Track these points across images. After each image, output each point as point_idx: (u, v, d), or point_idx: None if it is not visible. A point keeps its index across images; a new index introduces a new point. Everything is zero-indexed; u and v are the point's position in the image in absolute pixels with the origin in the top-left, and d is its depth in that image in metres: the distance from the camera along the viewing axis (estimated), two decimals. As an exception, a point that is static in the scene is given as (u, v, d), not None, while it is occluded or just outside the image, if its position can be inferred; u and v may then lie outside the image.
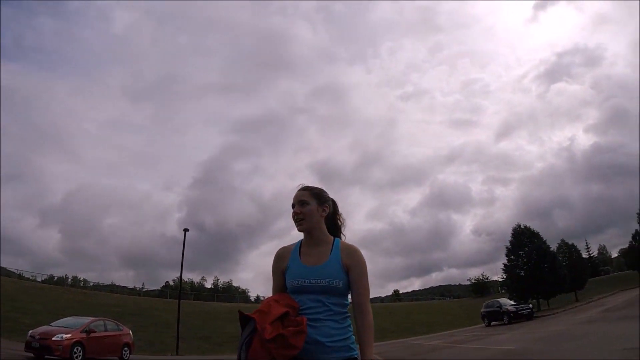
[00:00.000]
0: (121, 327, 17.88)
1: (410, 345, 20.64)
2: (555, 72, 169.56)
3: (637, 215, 53.19)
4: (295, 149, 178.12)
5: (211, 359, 22.33)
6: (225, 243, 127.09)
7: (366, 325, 2.19)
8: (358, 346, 2.17)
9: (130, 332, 18.19)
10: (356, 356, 2.17)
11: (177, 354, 25.31)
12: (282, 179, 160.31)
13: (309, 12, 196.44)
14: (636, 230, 51.74)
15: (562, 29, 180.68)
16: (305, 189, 2.39)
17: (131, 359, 17.38)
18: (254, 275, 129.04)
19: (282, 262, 2.32)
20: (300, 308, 2.15)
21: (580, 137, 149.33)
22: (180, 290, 36.12)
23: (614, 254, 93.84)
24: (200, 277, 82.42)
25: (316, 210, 2.33)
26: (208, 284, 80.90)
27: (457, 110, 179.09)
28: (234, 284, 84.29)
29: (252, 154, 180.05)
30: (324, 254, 2.26)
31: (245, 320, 2.09)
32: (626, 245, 64.73)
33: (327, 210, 2.40)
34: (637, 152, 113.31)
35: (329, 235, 2.38)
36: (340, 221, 2.51)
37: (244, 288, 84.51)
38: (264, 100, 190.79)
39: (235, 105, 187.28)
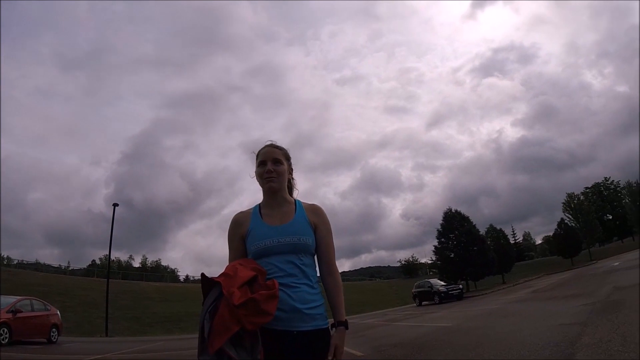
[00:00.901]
0: (49, 307, 16.53)
1: (347, 324, 20.81)
2: (489, 66, 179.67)
3: (562, 204, 57.60)
4: (228, 127, 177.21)
5: (142, 340, 21.39)
6: (154, 221, 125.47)
7: (338, 285, 2.13)
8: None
9: (58, 312, 16.92)
10: (328, 326, 2.03)
11: (107, 335, 24.33)
12: (213, 157, 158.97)
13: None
14: (562, 218, 56.25)
15: (499, 27, 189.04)
16: (278, 148, 2.25)
17: (59, 341, 16.08)
18: (183, 255, 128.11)
19: (241, 227, 2.13)
20: (270, 272, 1.96)
21: (508, 130, 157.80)
22: (109, 269, 34.81)
23: (538, 241, 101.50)
24: (128, 256, 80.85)
25: (287, 171, 2.24)
26: (136, 263, 79.79)
27: (393, 97, 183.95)
28: (163, 263, 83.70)
29: (184, 130, 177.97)
30: (288, 213, 2.14)
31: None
32: (549, 234, 69.82)
33: (292, 174, 2.34)
34: (562, 146, 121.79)
35: (290, 196, 2.28)
36: (293, 184, 2.39)
37: (173, 267, 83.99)
38: (199, 76, 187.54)
39: (169, 80, 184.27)
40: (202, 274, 1.90)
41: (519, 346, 7.11)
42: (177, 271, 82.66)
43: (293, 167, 2.35)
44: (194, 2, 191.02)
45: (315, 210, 2.19)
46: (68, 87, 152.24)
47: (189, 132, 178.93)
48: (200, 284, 1.89)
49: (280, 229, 2.04)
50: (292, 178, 2.36)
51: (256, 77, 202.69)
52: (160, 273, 72.37)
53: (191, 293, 42.76)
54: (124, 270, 66.73)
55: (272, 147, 2.24)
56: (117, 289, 35.94)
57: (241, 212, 2.19)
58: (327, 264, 2.14)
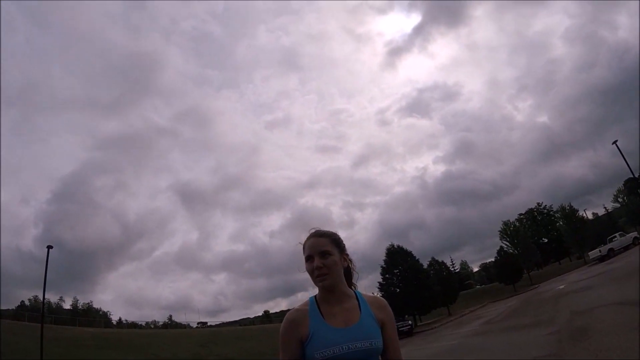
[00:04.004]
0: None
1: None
2: (415, 105, 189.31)
3: (499, 232, 60.85)
4: (157, 169, 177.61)
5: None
6: (83, 262, 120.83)
7: None
8: None
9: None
10: None
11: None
12: (143, 199, 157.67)
13: (183, 39, 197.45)
14: (501, 246, 59.06)
15: (420, 70, 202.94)
16: (324, 235, 1.95)
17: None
18: (114, 298, 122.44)
19: (299, 328, 1.81)
20: None
21: (430, 166, 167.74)
22: (42, 314, 31.86)
23: (475, 269, 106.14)
24: (58, 297, 76.00)
25: (339, 261, 1.91)
26: (66, 305, 75.11)
27: (323, 137, 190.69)
28: (95, 305, 79.36)
29: (114, 171, 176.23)
30: (352, 311, 1.85)
31: None
32: (484, 261, 72.32)
33: (347, 259, 1.99)
34: (484, 178, 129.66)
35: (349, 286, 1.99)
36: (352, 268, 2.06)
37: (105, 310, 79.85)
38: (128, 118, 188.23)
39: (99, 121, 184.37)
40: None
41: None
42: (110, 314, 78.28)
43: (349, 253, 2.02)
44: (126, 46, 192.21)
45: (380, 304, 1.93)
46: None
47: (119, 173, 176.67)
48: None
49: (349, 333, 1.77)
50: (351, 262, 2.04)
51: (185, 121, 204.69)
52: (92, 316, 68.12)
53: (127, 339, 40.43)
54: (55, 313, 62.13)
55: (317, 236, 1.94)
56: (50, 334, 32.72)
57: (296, 310, 1.88)
58: None
